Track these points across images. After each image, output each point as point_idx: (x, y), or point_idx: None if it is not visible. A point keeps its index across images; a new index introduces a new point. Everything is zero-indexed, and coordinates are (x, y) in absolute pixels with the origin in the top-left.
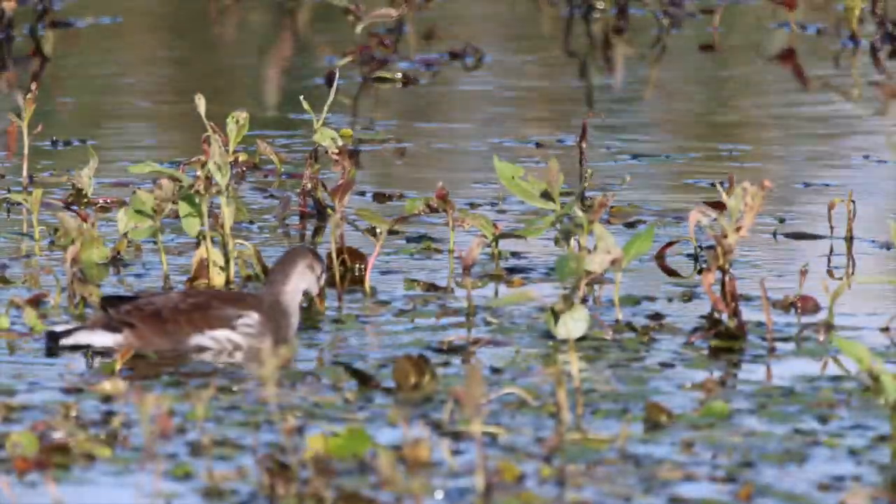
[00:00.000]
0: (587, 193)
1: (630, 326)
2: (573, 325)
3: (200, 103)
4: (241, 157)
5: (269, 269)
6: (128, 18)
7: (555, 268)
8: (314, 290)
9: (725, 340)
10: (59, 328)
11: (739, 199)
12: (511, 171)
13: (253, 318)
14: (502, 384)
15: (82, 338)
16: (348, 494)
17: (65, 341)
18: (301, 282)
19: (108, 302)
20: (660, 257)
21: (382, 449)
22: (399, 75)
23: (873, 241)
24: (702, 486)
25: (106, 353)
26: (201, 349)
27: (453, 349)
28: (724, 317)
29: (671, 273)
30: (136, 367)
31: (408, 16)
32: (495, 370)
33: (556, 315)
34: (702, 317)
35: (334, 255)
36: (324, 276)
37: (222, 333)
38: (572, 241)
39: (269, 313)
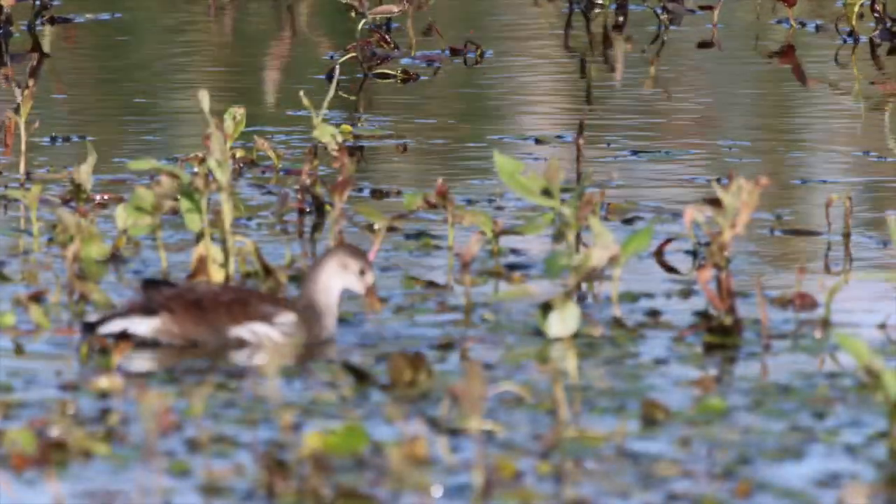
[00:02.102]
0: (587, 190)
1: (621, 323)
2: (563, 322)
3: (203, 99)
4: (239, 154)
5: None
6: (126, 14)
7: (544, 265)
8: (357, 289)
9: (720, 337)
10: (92, 318)
11: (735, 195)
12: (511, 166)
13: (289, 317)
14: (498, 381)
15: (118, 325)
16: (346, 491)
17: (102, 330)
18: (332, 281)
19: (150, 285)
20: (658, 254)
21: (391, 445)
22: (401, 72)
23: (871, 238)
24: (699, 483)
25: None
26: (240, 342)
27: (447, 346)
28: (721, 313)
29: (669, 269)
30: (134, 364)
31: (408, 12)
32: (489, 367)
33: (546, 312)
34: (696, 313)
35: None
36: (369, 276)
37: (262, 328)
38: (565, 239)
39: (303, 314)
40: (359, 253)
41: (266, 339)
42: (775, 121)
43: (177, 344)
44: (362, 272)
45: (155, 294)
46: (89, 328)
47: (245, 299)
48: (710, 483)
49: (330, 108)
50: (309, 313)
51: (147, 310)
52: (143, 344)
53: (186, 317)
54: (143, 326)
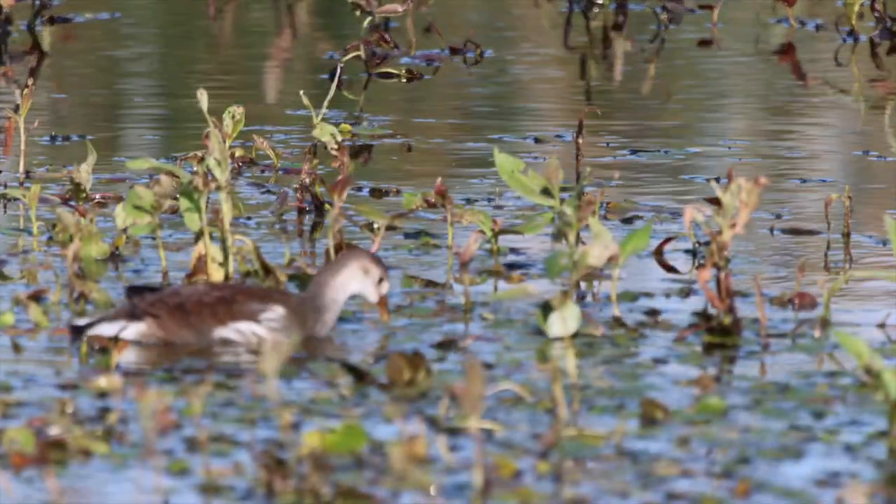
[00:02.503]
0: (586, 189)
1: (620, 322)
2: (563, 322)
3: (202, 98)
4: (238, 153)
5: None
6: (126, 14)
7: (545, 265)
8: (371, 297)
9: (719, 336)
10: (80, 322)
11: (734, 195)
12: (511, 165)
13: (277, 312)
14: (497, 380)
15: (105, 329)
16: (346, 490)
17: (89, 334)
18: (350, 282)
19: (135, 291)
20: (658, 253)
21: (391, 444)
22: (405, 71)
23: (871, 237)
24: (698, 482)
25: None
26: (226, 342)
27: (446, 345)
28: (719, 313)
29: (669, 269)
30: (132, 363)
31: (409, 11)
32: (488, 366)
33: (546, 312)
34: (695, 313)
35: (332, 251)
36: (385, 285)
37: (247, 326)
38: (565, 239)
39: (296, 309)
40: (381, 262)
41: (252, 336)
42: (775, 120)
43: (163, 346)
44: (381, 281)
45: (138, 300)
46: (77, 332)
47: (230, 298)
48: (709, 482)
49: (332, 107)
50: (305, 307)
51: (132, 315)
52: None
53: (170, 321)
54: (128, 331)
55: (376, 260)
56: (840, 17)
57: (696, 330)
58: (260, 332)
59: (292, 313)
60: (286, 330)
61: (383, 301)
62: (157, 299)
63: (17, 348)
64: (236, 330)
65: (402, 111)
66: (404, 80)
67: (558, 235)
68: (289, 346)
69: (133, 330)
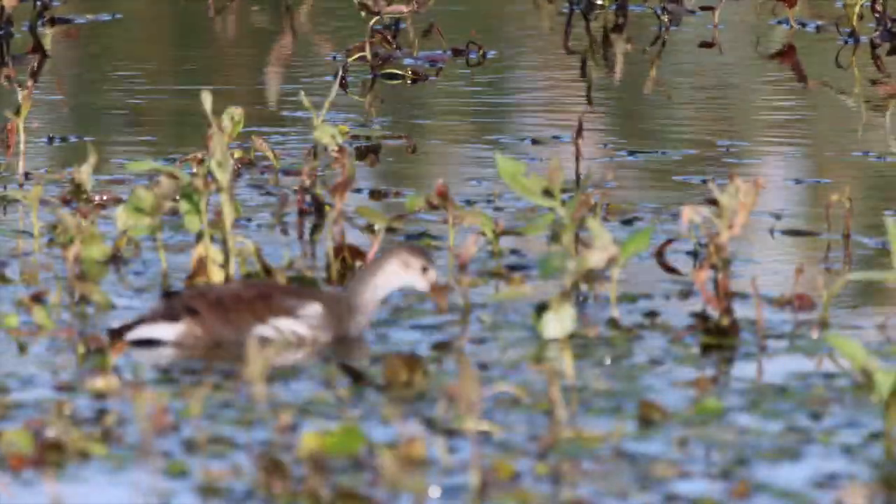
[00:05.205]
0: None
1: (619, 324)
2: (559, 323)
3: (206, 100)
4: (237, 154)
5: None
6: (127, 15)
7: (538, 266)
8: (422, 287)
9: (716, 338)
10: (116, 324)
11: (733, 196)
12: (512, 167)
13: (315, 309)
14: (494, 381)
15: (144, 331)
16: (344, 492)
17: (128, 337)
18: (391, 280)
19: (170, 294)
20: (659, 255)
21: (384, 447)
22: (410, 72)
23: (871, 239)
24: (697, 484)
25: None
26: (265, 339)
27: (442, 346)
28: (717, 314)
29: (670, 270)
30: (130, 364)
31: (413, 11)
32: (485, 367)
33: (542, 313)
34: (693, 314)
35: (332, 253)
36: (431, 273)
37: (286, 323)
38: (561, 240)
39: (331, 307)
40: (422, 253)
41: (291, 334)
42: (775, 121)
43: (202, 346)
44: (425, 270)
45: (176, 300)
46: (115, 334)
47: (268, 294)
48: (707, 484)
49: (335, 108)
50: (339, 307)
51: (171, 315)
52: (165, 348)
53: (210, 318)
54: (168, 332)
55: (416, 251)
56: (840, 19)
57: (694, 331)
58: (299, 329)
59: (329, 311)
60: (323, 328)
61: (435, 288)
62: (194, 295)
63: (21, 350)
64: (275, 327)
65: (405, 113)
66: (409, 82)
67: (555, 237)
68: (276, 349)
69: (172, 330)
